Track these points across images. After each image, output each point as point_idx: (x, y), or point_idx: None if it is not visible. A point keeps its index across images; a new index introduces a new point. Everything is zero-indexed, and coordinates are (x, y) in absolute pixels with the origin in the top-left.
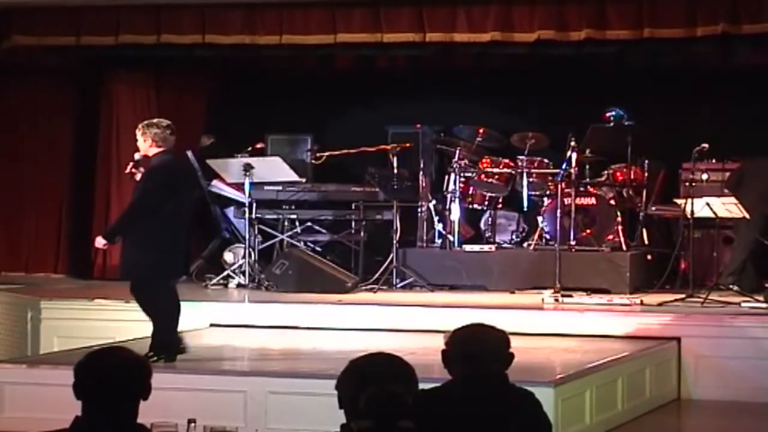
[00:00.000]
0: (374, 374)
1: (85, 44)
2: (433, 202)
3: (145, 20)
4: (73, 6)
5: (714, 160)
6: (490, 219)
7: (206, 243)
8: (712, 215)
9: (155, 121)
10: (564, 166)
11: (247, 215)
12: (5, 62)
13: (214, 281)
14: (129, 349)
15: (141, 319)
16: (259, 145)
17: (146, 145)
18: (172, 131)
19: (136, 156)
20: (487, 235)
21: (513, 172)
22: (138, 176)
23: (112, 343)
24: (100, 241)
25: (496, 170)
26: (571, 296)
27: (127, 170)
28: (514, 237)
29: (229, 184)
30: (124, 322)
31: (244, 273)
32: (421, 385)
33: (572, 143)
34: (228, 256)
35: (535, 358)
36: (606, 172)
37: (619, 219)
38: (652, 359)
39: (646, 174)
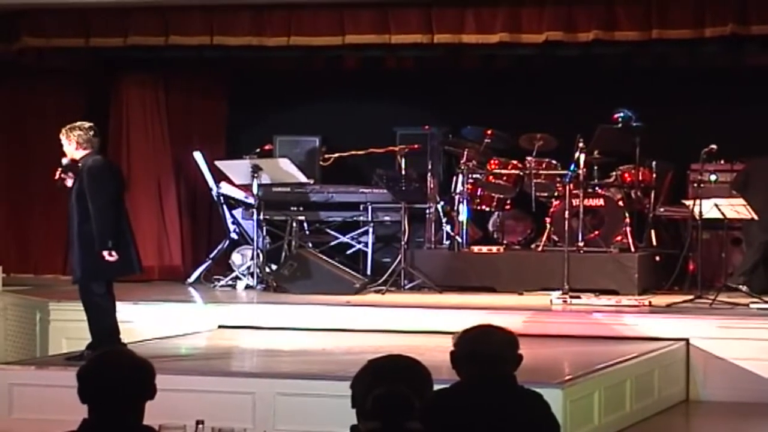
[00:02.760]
0: (386, 375)
1: (94, 45)
2: (441, 203)
3: (153, 22)
4: (82, 8)
5: (722, 161)
6: (498, 220)
7: (215, 245)
8: (721, 216)
9: (77, 124)
10: (572, 168)
11: (255, 217)
12: (15, 63)
13: (223, 283)
14: (130, 351)
15: (149, 321)
16: (267, 147)
17: (71, 148)
18: (95, 133)
19: (64, 161)
20: (495, 236)
21: (521, 173)
22: (69, 182)
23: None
24: (105, 255)
25: (504, 171)
26: (579, 297)
27: (56, 176)
28: (522, 238)
29: (237, 186)
30: (132, 324)
31: (252, 274)
32: None
33: (580, 144)
34: (236, 258)
35: (543, 360)
36: (614, 173)
37: (628, 220)
38: (661, 360)
39: (654, 175)
